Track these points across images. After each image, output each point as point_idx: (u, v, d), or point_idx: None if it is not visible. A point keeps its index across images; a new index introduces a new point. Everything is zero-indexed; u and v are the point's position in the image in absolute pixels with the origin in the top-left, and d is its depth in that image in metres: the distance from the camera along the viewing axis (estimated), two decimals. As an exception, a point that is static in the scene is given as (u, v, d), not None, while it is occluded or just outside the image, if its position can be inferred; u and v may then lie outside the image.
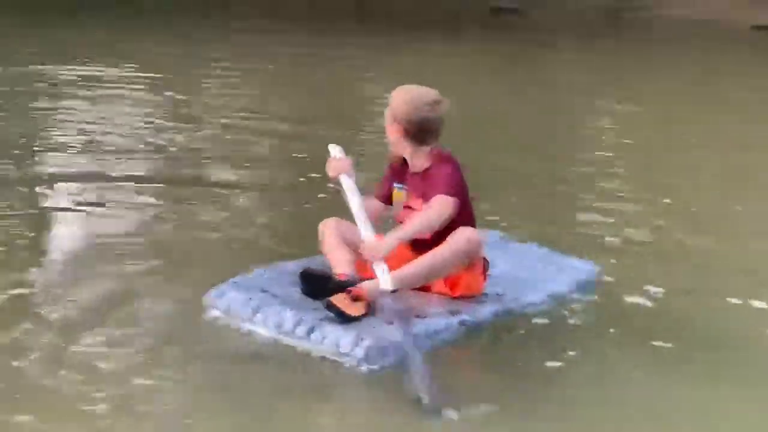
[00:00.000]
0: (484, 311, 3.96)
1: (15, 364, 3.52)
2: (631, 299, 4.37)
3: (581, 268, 4.48)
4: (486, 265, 4.12)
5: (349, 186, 4.06)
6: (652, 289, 4.48)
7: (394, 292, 3.77)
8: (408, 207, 4.14)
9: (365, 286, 3.85)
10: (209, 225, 5.41)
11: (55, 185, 6.13)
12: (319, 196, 5.84)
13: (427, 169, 4.07)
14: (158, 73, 10.62)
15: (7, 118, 8.10)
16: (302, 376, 3.50)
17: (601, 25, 19.07)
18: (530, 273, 4.38)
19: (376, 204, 4.22)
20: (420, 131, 4.01)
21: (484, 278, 4.11)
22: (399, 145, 4.10)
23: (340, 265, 3.98)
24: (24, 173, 6.41)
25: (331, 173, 4.13)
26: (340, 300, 3.77)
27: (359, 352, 3.55)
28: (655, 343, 3.89)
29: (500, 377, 3.58)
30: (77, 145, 7.20)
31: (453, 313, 3.89)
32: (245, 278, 4.10)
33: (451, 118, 4.08)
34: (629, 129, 8.76)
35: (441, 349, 3.71)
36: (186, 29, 14.96)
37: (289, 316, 3.75)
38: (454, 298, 4.03)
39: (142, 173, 6.57)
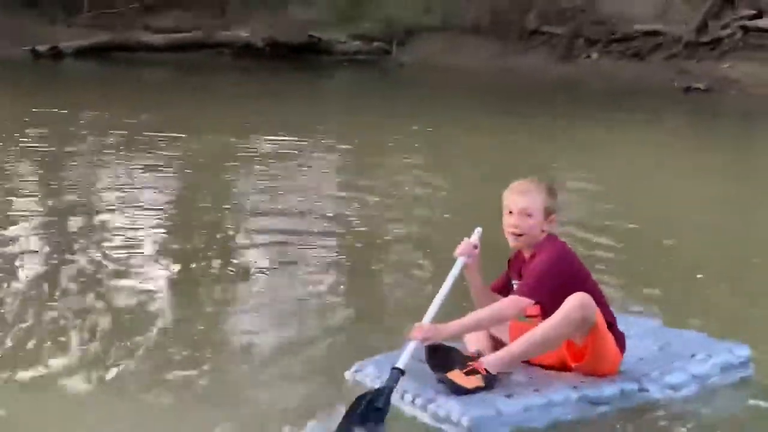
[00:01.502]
0: (610, 388, 3.82)
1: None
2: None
3: (734, 351, 4.19)
4: (621, 341, 4.01)
5: (455, 270, 4.11)
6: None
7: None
8: None
9: (484, 360, 3.86)
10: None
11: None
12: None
13: (532, 255, 4.11)
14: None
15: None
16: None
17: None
18: (673, 354, 4.16)
19: (490, 294, 4.22)
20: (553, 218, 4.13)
21: (620, 355, 3.98)
22: (535, 236, 4.11)
23: (471, 342, 4.07)
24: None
25: (455, 252, 4.16)
26: (455, 374, 3.81)
27: (465, 421, 3.56)
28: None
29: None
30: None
31: (574, 387, 3.79)
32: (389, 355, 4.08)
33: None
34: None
35: (560, 425, 3.63)
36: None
37: (411, 388, 3.79)
38: (578, 370, 3.95)
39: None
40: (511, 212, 4.10)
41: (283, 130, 11.81)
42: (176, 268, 5.90)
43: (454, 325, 3.98)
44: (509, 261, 4.25)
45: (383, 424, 3.65)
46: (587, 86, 19.15)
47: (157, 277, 5.67)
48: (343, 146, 11.10)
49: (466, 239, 4.21)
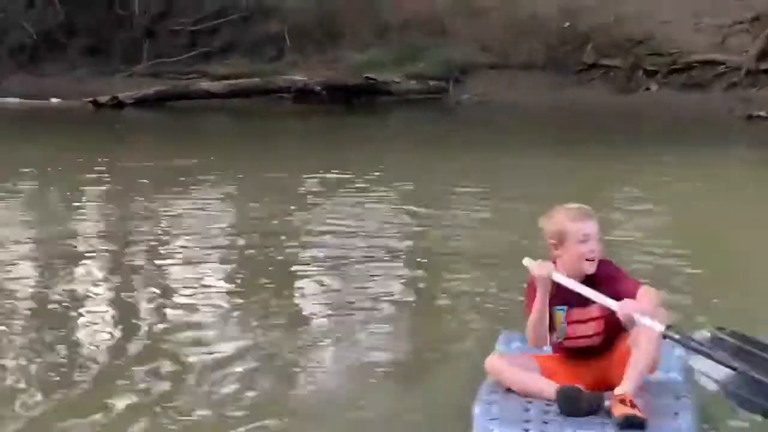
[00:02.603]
0: None
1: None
2: None
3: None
4: None
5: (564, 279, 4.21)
6: None
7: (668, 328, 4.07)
8: (575, 322, 4.31)
9: (624, 391, 3.99)
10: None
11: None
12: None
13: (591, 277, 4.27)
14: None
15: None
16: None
17: None
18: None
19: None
20: None
21: None
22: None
23: (549, 387, 4.17)
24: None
25: (544, 272, 4.23)
26: (622, 410, 3.90)
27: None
28: None
29: None
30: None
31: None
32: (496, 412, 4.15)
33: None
34: None
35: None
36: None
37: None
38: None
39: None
40: (585, 240, 4.23)
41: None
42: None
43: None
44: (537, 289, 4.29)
45: None
46: (647, 118, 19.00)
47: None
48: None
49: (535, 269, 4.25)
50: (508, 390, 4.30)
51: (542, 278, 4.21)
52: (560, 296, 4.26)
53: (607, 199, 10.04)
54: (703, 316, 5.57)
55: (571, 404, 4.05)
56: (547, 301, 4.25)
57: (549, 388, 4.16)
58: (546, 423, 4.01)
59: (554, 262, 4.33)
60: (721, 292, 6.30)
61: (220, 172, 12.07)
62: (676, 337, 4.10)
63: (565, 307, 4.28)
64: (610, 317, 4.19)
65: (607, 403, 4.02)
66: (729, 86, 19.90)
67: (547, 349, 4.44)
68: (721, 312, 5.82)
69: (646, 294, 4.17)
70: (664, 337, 4.07)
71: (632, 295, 4.17)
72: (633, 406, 3.92)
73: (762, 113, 18.86)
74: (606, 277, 4.24)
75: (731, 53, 20.12)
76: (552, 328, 4.31)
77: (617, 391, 4.00)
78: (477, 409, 4.19)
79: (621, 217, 9.06)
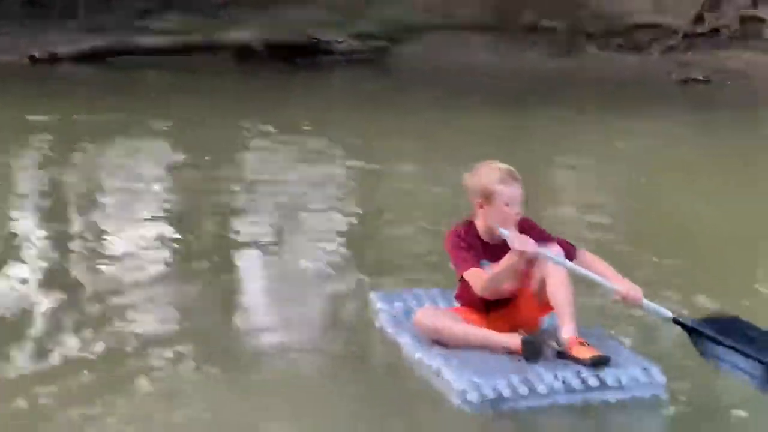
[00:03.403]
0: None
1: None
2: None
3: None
4: None
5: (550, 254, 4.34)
6: None
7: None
8: None
9: (569, 333, 4.22)
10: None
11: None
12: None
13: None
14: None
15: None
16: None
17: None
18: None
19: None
20: None
21: None
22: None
23: (504, 336, 4.34)
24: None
25: (529, 248, 4.28)
26: (585, 351, 4.12)
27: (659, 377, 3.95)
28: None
29: None
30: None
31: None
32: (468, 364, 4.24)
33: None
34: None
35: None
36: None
37: (570, 375, 4.05)
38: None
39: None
40: (510, 203, 4.39)
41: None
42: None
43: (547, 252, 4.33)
44: (472, 245, 4.44)
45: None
46: (587, 80, 19.14)
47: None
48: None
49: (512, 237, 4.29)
50: (444, 345, 4.38)
51: (521, 252, 4.26)
52: (485, 254, 4.44)
53: (545, 159, 10.15)
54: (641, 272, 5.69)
55: (534, 351, 4.20)
56: (512, 268, 4.33)
57: (510, 339, 4.30)
58: (520, 371, 4.12)
59: (471, 221, 4.43)
60: (651, 253, 6.43)
61: (155, 125, 12.03)
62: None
63: (488, 262, 4.43)
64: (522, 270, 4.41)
65: (551, 345, 4.14)
66: (666, 49, 20.12)
67: (442, 303, 4.56)
68: (661, 269, 5.95)
69: (555, 249, 4.39)
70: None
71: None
72: (588, 345, 4.09)
73: (698, 77, 19.13)
74: (525, 229, 4.44)
75: (669, 17, 20.30)
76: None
77: (566, 334, 4.16)
78: (440, 363, 4.21)
79: (557, 176, 9.20)
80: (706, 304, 5.26)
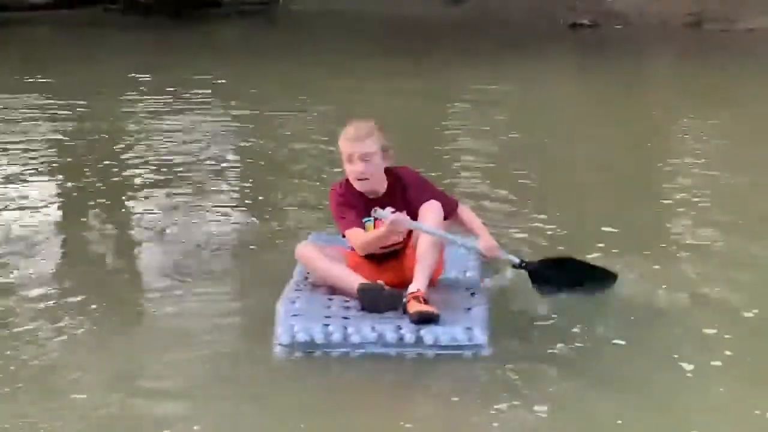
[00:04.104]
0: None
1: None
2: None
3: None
4: None
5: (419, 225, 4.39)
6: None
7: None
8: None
9: (417, 288, 4.24)
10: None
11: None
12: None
13: (393, 188, 4.51)
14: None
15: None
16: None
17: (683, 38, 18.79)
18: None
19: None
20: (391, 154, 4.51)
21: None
22: (381, 174, 4.48)
23: (354, 281, 4.37)
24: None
25: (400, 228, 4.38)
26: (416, 307, 4.14)
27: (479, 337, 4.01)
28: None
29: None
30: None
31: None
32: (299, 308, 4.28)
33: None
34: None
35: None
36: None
37: (388, 329, 4.05)
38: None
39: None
40: (350, 161, 4.41)
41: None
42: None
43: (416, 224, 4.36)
44: (352, 203, 4.49)
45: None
46: (477, 28, 19.22)
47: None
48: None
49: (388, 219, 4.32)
50: (314, 286, 4.42)
51: (392, 228, 4.34)
52: (367, 210, 4.46)
53: (434, 113, 10.15)
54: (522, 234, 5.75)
55: (371, 301, 4.24)
56: (384, 237, 4.41)
57: (354, 282, 4.31)
58: (347, 318, 4.14)
59: (347, 179, 4.45)
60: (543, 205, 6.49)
61: (34, 81, 11.78)
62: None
63: (372, 219, 4.47)
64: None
65: (404, 300, 4.18)
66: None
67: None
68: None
69: (430, 208, 4.42)
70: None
71: (418, 203, 4.45)
72: (425, 302, 4.10)
73: (585, 21, 19.34)
74: (406, 185, 4.49)
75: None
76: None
77: (410, 288, 4.23)
78: (280, 306, 4.27)
79: (442, 128, 9.23)
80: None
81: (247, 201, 6.64)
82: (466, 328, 4.07)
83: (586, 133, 8.84)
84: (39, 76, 12.06)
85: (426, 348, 4.04)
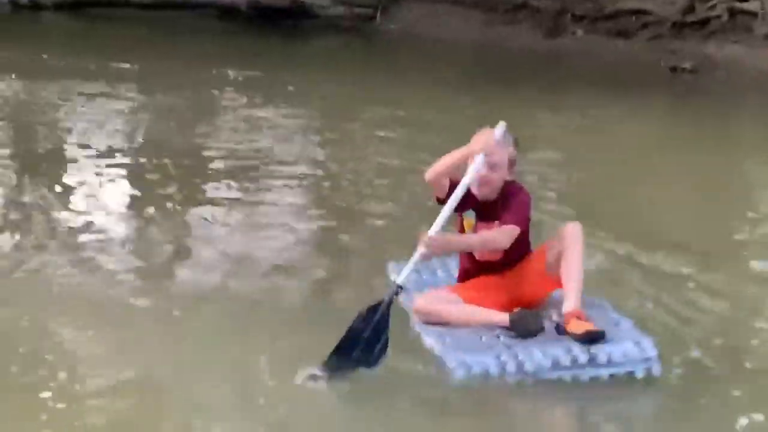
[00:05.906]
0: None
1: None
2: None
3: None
4: None
5: (475, 167, 4.39)
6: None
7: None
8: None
9: (570, 307, 4.23)
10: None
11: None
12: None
13: (502, 197, 4.53)
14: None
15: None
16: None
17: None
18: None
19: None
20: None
21: None
22: (499, 185, 4.55)
23: (497, 315, 4.39)
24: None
25: (475, 146, 4.44)
26: (580, 326, 4.09)
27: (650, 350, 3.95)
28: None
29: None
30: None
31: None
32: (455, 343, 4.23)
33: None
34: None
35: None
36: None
37: (560, 352, 4.02)
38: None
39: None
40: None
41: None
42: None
43: (457, 241, 4.41)
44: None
45: (383, 342, 4.09)
46: (572, 63, 19.01)
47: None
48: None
49: (488, 129, 4.37)
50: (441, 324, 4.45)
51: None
52: (468, 206, 4.57)
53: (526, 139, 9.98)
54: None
55: (525, 327, 4.20)
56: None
57: (500, 319, 4.35)
58: (510, 348, 4.05)
59: None
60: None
61: (130, 81, 11.88)
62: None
63: (473, 214, 4.58)
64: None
65: (553, 320, 4.16)
66: (654, 37, 19.94)
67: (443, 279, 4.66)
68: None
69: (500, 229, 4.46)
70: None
71: (497, 220, 4.50)
72: (586, 320, 4.07)
73: (686, 66, 18.98)
74: (508, 205, 4.53)
75: (659, 4, 20.14)
76: (461, 231, 4.60)
77: (566, 308, 4.23)
78: (432, 341, 4.16)
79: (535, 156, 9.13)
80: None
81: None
82: (635, 342, 3.96)
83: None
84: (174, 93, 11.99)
85: (597, 367, 3.95)
